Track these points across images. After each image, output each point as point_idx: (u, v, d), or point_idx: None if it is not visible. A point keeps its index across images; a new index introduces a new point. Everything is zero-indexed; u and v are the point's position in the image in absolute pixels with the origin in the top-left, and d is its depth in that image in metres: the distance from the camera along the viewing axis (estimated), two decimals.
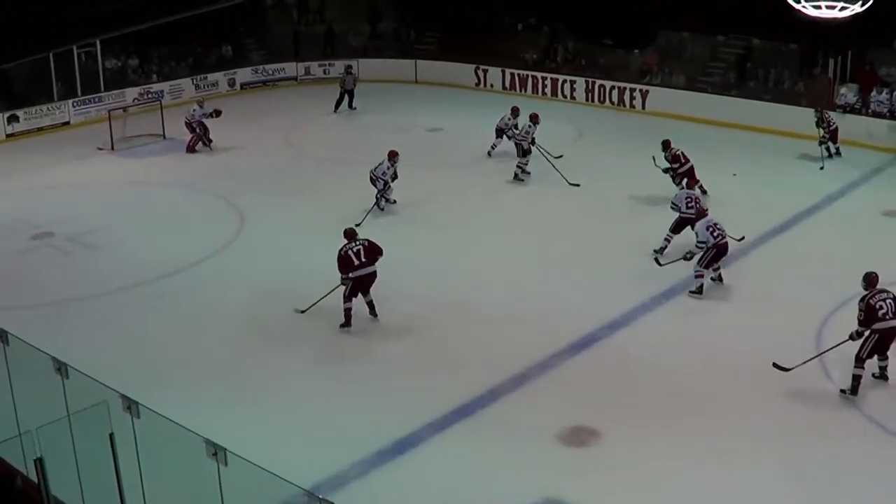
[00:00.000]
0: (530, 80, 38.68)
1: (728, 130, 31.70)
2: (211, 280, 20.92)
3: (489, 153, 29.50)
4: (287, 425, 14.83)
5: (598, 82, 36.89)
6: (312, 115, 34.80)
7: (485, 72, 40.11)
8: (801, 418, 15.08)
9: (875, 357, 15.72)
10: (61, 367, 11.84)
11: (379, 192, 24.51)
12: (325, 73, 41.97)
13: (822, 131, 28.38)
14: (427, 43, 43.38)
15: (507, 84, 39.18)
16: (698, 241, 19.55)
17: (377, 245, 18.53)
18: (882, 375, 15.99)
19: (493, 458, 14.04)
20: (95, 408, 11.01)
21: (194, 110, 30.97)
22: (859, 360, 15.47)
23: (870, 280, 15.70)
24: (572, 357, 16.98)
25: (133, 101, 35.86)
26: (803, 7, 21.82)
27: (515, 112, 29.59)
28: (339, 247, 18.29)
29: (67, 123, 34.91)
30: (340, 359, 17.18)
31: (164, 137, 32.16)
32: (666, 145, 25.07)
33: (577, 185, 26.07)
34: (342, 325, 18.26)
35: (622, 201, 24.88)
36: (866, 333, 15.39)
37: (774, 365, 15.94)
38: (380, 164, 24.56)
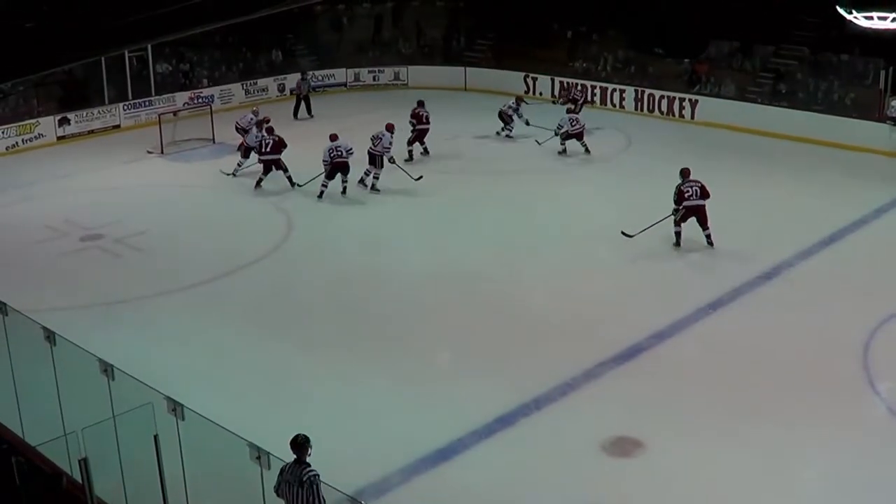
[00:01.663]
0: (579, 88, 38.55)
1: (777, 141, 31.49)
2: (258, 283, 21.03)
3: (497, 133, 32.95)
4: (331, 429, 14.79)
5: (648, 91, 36.77)
6: (361, 121, 34.74)
7: (534, 80, 40.04)
8: (850, 430, 14.82)
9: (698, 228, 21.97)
10: (108, 369, 11.92)
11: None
12: (374, 79, 42.12)
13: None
14: (477, 50, 43.42)
15: (557, 92, 39.05)
16: (323, 160, 26.20)
17: (283, 141, 27.42)
18: (708, 242, 22.05)
19: (536, 467, 13.96)
20: (140, 409, 11.08)
21: (250, 119, 31.15)
22: (677, 224, 21.99)
23: (683, 173, 22.12)
24: (618, 366, 16.86)
25: (183, 105, 36.16)
26: (855, 18, 21.70)
27: (519, 101, 32.44)
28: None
29: (118, 127, 35.21)
30: (385, 364, 17.12)
31: (214, 142, 32.36)
32: (419, 104, 30.54)
33: (420, 178, 27.52)
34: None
35: (671, 209, 24.72)
36: (680, 209, 21.77)
37: (622, 232, 22.19)
38: (251, 134, 29.03)
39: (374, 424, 15.10)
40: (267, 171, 27.30)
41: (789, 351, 17.31)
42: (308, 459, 10.90)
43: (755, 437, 14.62)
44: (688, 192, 21.71)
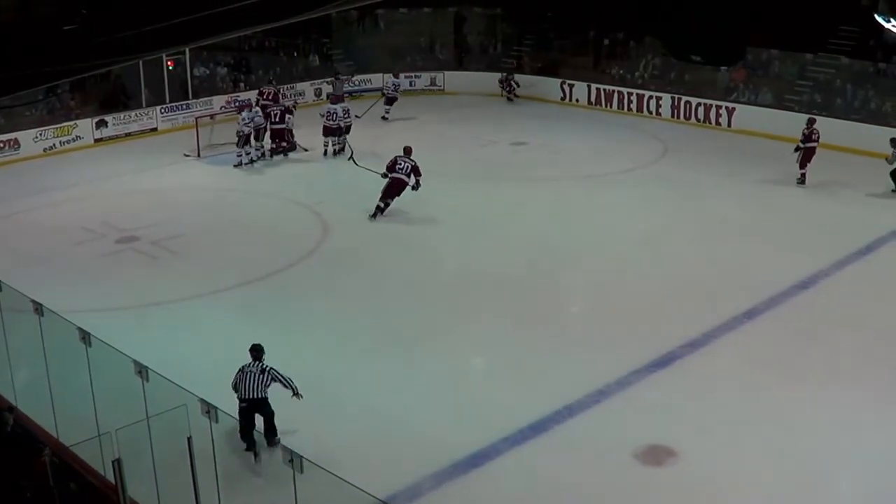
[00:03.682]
0: (616, 95, 38.54)
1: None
2: (293, 289, 21.03)
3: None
4: (364, 434, 14.84)
5: (684, 98, 36.62)
6: (397, 127, 34.86)
7: (570, 86, 40.03)
8: (887, 441, 14.71)
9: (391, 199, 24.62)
10: (142, 370, 11.96)
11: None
12: (410, 84, 42.10)
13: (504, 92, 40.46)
14: (514, 57, 43.43)
15: (593, 99, 39.08)
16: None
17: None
18: (378, 214, 24.69)
19: (568, 475, 13.92)
20: (174, 411, 11.12)
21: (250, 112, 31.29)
22: (384, 200, 24.53)
23: (406, 151, 24.67)
24: (651, 374, 16.78)
25: (220, 108, 36.24)
26: (893, 27, 21.63)
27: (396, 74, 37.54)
28: None
29: (155, 130, 35.37)
30: (419, 369, 17.13)
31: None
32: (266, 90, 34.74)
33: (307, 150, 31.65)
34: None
35: (707, 218, 24.66)
36: (388, 180, 24.49)
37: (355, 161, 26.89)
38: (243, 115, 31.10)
39: (407, 429, 15.06)
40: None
41: (824, 362, 17.20)
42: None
43: (789, 447, 14.54)
44: (400, 165, 24.46)
